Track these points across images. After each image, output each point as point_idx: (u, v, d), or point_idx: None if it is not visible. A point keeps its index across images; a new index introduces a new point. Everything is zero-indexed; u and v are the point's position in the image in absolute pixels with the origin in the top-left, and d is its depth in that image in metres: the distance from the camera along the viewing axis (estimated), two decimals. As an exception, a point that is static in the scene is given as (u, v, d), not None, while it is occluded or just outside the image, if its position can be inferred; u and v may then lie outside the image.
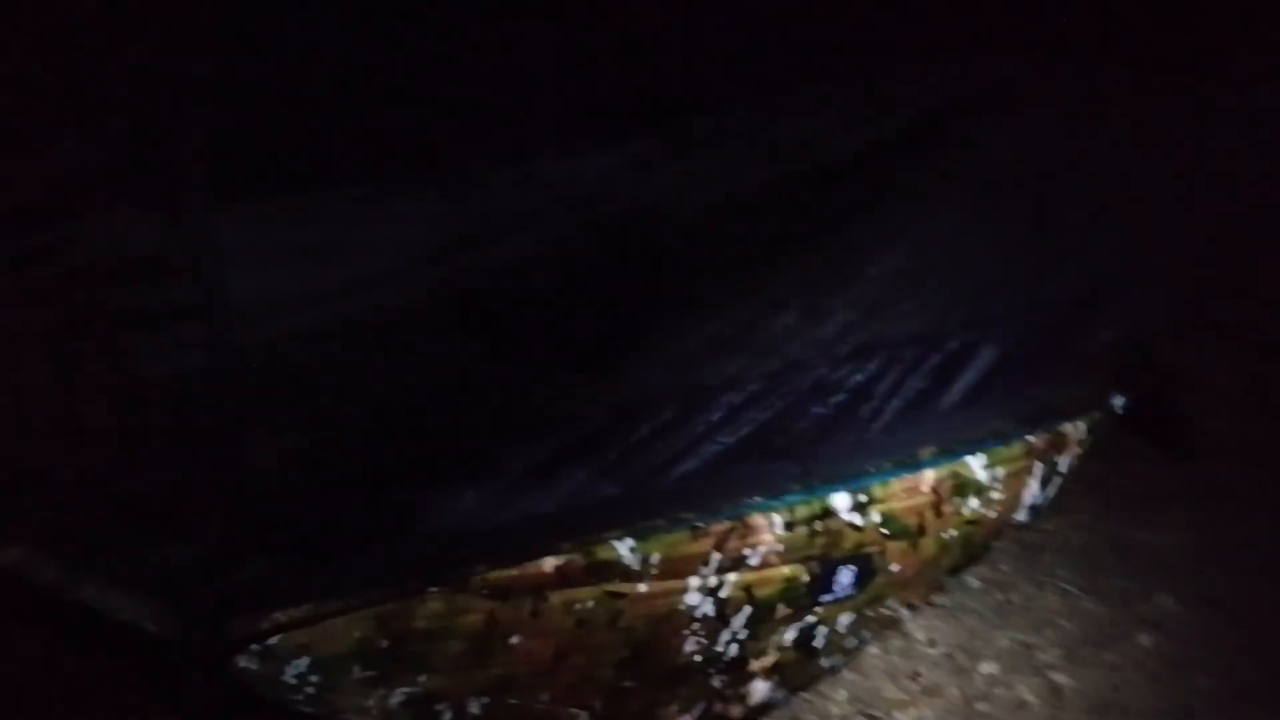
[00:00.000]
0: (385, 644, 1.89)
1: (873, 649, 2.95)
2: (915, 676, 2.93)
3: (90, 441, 1.80)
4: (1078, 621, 3.17)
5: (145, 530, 1.76)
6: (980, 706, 2.84)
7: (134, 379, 1.79)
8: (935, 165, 2.40)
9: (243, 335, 1.65)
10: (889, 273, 2.33)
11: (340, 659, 1.88)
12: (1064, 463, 2.62)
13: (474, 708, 2.02)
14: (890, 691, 2.87)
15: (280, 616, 1.76)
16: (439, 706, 1.99)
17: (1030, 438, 2.50)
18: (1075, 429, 2.61)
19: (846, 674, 2.88)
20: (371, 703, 1.94)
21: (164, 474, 1.73)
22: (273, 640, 1.82)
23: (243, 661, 1.85)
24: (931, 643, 3.06)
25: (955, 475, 2.34)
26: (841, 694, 2.84)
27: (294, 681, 1.88)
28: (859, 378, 2.27)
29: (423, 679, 1.94)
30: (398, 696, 1.95)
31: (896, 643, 3.02)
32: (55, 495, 1.77)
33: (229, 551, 1.73)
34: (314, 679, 1.88)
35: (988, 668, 2.98)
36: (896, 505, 2.26)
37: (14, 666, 2.34)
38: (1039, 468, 2.54)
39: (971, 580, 3.28)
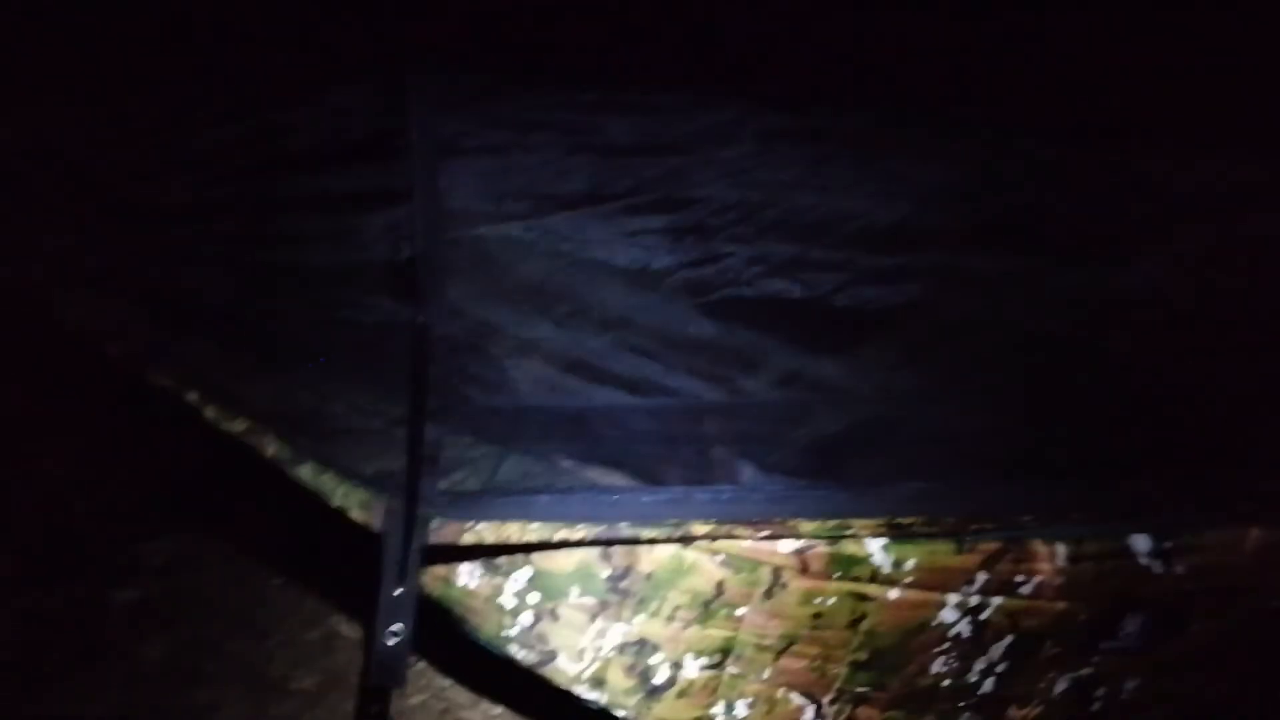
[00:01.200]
0: (606, 574, 1.83)
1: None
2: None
3: (309, 324, 1.83)
4: None
5: (357, 417, 1.79)
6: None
7: (347, 265, 1.81)
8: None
9: (456, 230, 1.66)
10: None
11: (562, 577, 1.84)
12: None
13: (690, 670, 1.91)
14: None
15: (485, 529, 1.72)
16: (654, 660, 1.89)
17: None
18: None
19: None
20: (586, 642, 1.87)
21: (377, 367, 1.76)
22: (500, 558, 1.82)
23: (464, 578, 1.85)
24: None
25: (1292, 542, 2.00)
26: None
27: (513, 603, 1.86)
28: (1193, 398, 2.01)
29: (640, 619, 1.86)
30: (613, 636, 1.87)
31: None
32: (275, 370, 1.83)
33: (436, 455, 1.72)
34: (533, 598, 1.85)
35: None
36: (1209, 560, 1.95)
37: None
38: None
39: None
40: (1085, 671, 2.01)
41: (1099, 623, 1.95)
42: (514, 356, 1.94)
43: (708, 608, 1.86)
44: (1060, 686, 2.02)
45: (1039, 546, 1.89)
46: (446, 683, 2.55)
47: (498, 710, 2.49)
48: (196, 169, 1.84)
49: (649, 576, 1.83)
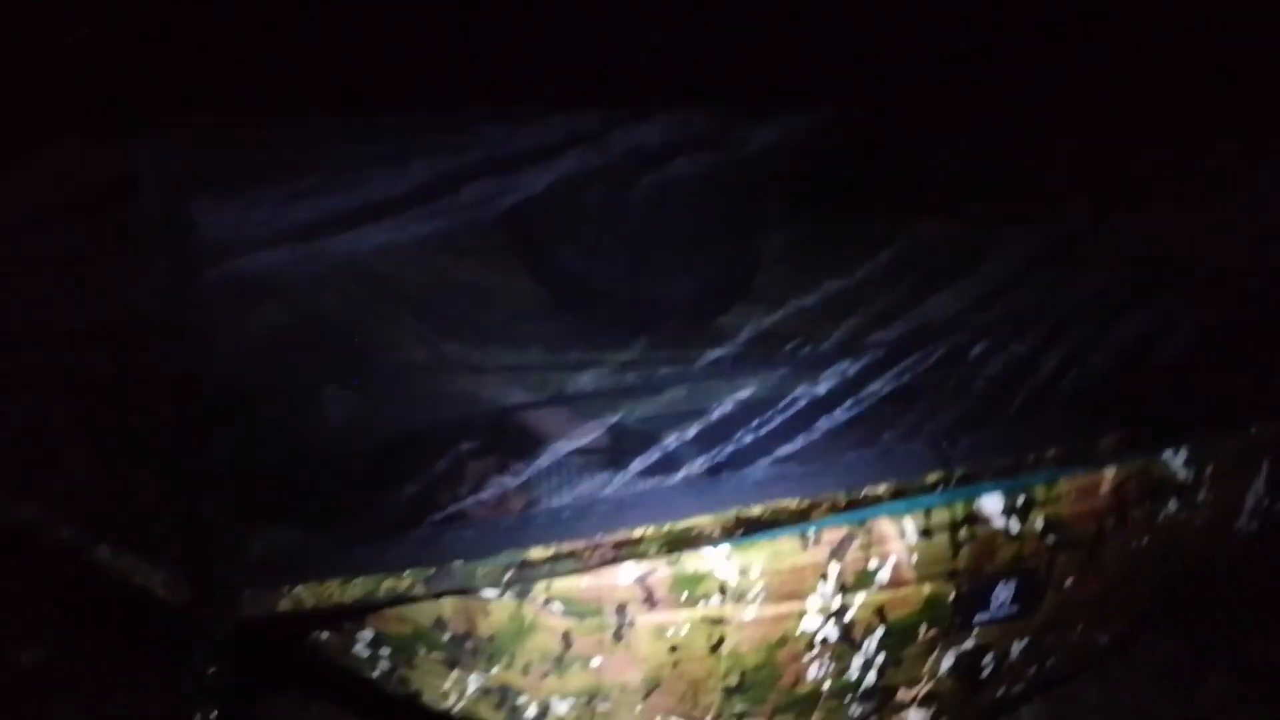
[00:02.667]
0: (447, 637, 1.73)
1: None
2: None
3: (91, 395, 1.74)
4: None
5: (156, 493, 1.67)
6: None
7: (121, 323, 1.69)
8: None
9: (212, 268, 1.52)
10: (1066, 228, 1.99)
11: (405, 639, 1.75)
12: None
13: (561, 708, 1.82)
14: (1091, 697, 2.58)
15: (302, 593, 1.60)
16: (520, 701, 1.80)
17: (1253, 429, 2.08)
18: None
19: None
20: (448, 685, 1.78)
21: (169, 435, 1.62)
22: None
23: (315, 632, 1.78)
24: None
25: (1146, 473, 1.97)
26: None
27: (366, 655, 1.78)
28: (1017, 347, 1.93)
29: (496, 670, 1.77)
30: (474, 683, 1.78)
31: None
32: (61, 452, 1.71)
33: (244, 520, 1.61)
34: (384, 653, 1.77)
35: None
36: (1066, 509, 1.91)
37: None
38: (1266, 465, 2.12)
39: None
40: (968, 645, 1.96)
41: (969, 598, 1.89)
42: (302, 394, 1.86)
43: (560, 662, 1.76)
44: (946, 663, 1.97)
45: (886, 525, 1.81)
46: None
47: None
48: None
49: (491, 639, 1.73)
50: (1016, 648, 2.03)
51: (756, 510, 1.72)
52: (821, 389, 1.82)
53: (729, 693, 1.85)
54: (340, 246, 1.66)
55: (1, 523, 1.60)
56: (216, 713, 1.61)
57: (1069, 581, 1.98)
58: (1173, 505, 2.02)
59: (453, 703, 1.82)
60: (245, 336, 1.63)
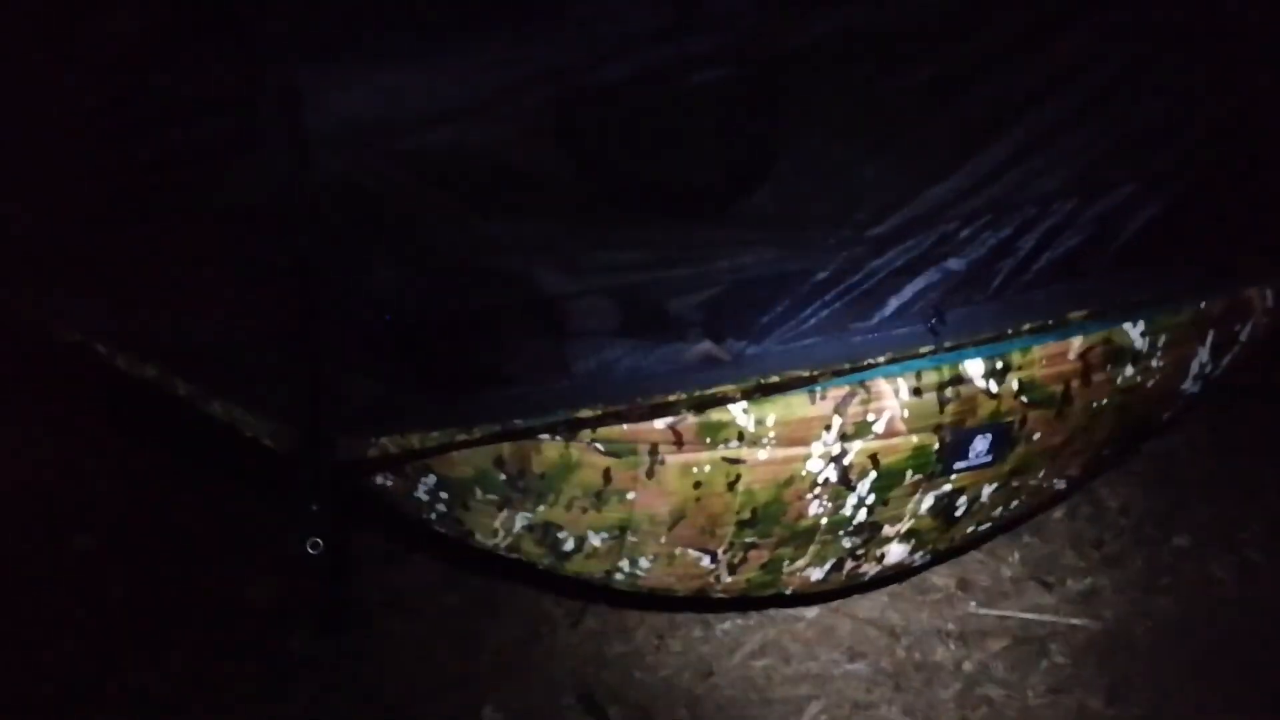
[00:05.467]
0: (503, 478, 2.01)
1: (1057, 514, 2.93)
2: (1099, 545, 2.87)
3: (203, 265, 1.92)
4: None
5: (263, 351, 1.88)
6: (1164, 580, 2.75)
7: (229, 206, 1.89)
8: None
9: (324, 164, 1.72)
10: (1039, 118, 2.17)
11: (463, 482, 2.03)
12: (1246, 331, 2.45)
13: (594, 541, 2.13)
14: (1069, 558, 2.83)
15: (388, 443, 1.85)
16: (561, 534, 2.11)
17: (1202, 304, 2.34)
18: (1261, 295, 2.42)
19: (1025, 536, 2.87)
20: (498, 524, 2.08)
21: (269, 299, 1.84)
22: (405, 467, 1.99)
23: (379, 478, 2.05)
24: (1123, 511, 2.98)
25: (1108, 341, 2.23)
26: (1015, 556, 2.83)
27: (425, 498, 2.07)
28: (999, 232, 2.16)
29: (542, 509, 2.06)
30: (520, 521, 2.08)
31: (1085, 509, 2.97)
32: (177, 314, 1.90)
33: (336, 376, 1.82)
34: (443, 495, 2.05)
35: (1180, 540, 2.88)
36: (1038, 372, 2.18)
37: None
38: (1211, 335, 2.39)
39: (1181, 449, 3.17)
40: (946, 488, 2.25)
41: (951, 448, 2.18)
42: (399, 270, 2.03)
43: (599, 497, 2.05)
44: (926, 503, 2.26)
45: (882, 384, 2.09)
46: (402, 579, 2.74)
47: (452, 599, 2.71)
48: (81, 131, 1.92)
49: (542, 476, 2.01)
50: (986, 491, 2.33)
51: (773, 378, 1.99)
52: (830, 272, 2.08)
53: (741, 525, 2.15)
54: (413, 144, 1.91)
55: (131, 379, 1.80)
56: (321, 542, 1.89)
57: (1036, 435, 2.26)
58: (1129, 370, 2.28)
59: (500, 539, 2.12)
60: (334, 220, 1.83)
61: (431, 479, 2.05)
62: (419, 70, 1.91)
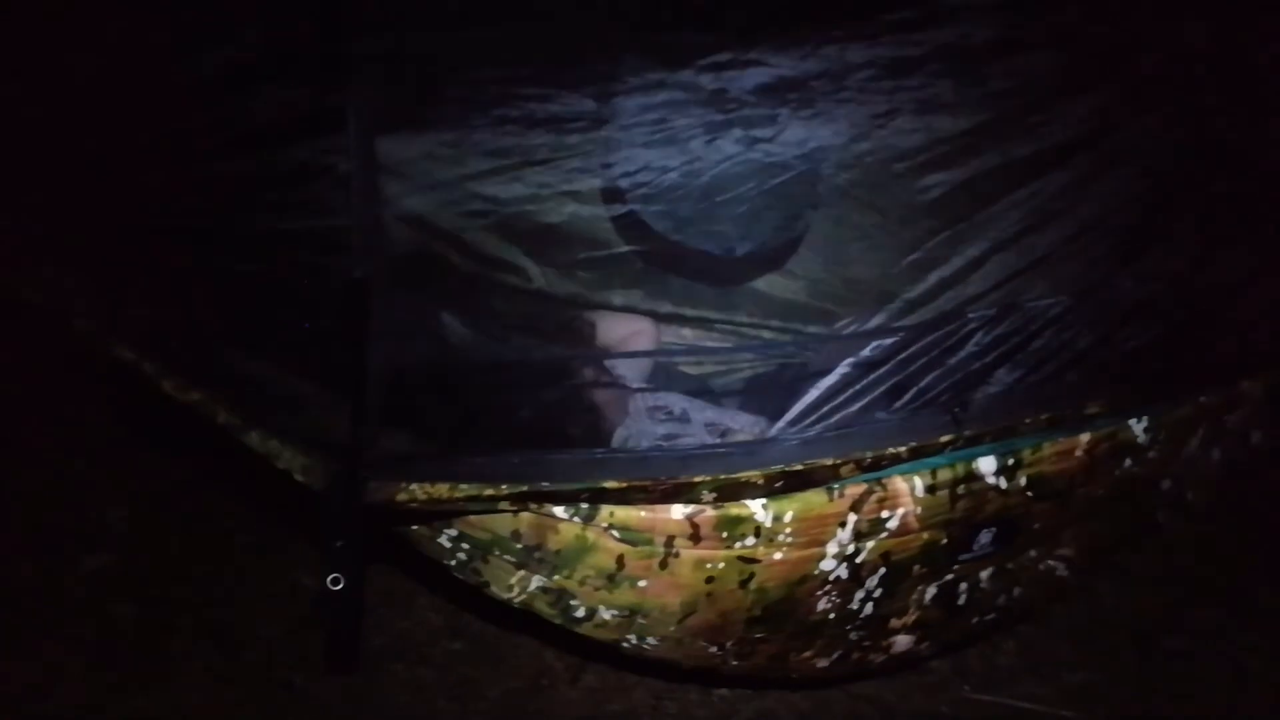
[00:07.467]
0: (520, 547, 2.01)
1: (1056, 607, 2.92)
2: (1095, 640, 2.91)
3: (245, 296, 1.96)
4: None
5: (300, 387, 1.90)
6: (1156, 680, 2.77)
7: (285, 234, 1.93)
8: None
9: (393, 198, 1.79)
10: (1062, 225, 2.22)
11: (484, 542, 2.03)
12: (1234, 420, 2.48)
13: (605, 615, 2.12)
14: (1064, 651, 2.86)
15: (417, 489, 1.84)
16: (574, 602, 2.10)
17: (1202, 398, 2.38)
18: (1253, 388, 2.45)
19: (1022, 626, 2.89)
20: (514, 581, 2.07)
21: (314, 336, 1.87)
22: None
23: (405, 521, 2.06)
24: (1120, 608, 3.01)
25: (1113, 437, 2.25)
26: (1011, 644, 2.87)
27: (448, 545, 2.06)
28: (1019, 327, 2.17)
29: (557, 578, 2.06)
30: (536, 582, 2.07)
31: (1084, 604, 2.99)
32: (225, 350, 1.92)
33: (371, 421, 1.81)
34: (465, 546, 2.05)
35: (1174, 642, 2.91)
36: (1047, 469, 2.20)
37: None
38: (1203, 428, 2.42)
39: (1181, 550, 3.18)
40: (949, 578, 2.27)
41: (957, 542, 2.20)
42: (453, 314, 2.11)
43: (612, 580, 2.04)
44: (930, 594, 2.28)
45: (899, 483, 2.09)
46: (408, 623, 2.79)
47: (456, 645, 2.74)
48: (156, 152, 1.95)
49: (558, 553, 2.01)
50: (985, 575, 2.35)
51: (798, 467, 1.99)
52: (857, 364, 2.09)
53: (751, 622, 2.15)
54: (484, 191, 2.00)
55: (173, 403, 1.79)
56: (343, 579, 1.88)
57: (1038, 525, 2.29)
58: (1128, 463, 2.32)
59: (515, 595, 2.11)
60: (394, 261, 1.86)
61: (453, 531, 2.05)
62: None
